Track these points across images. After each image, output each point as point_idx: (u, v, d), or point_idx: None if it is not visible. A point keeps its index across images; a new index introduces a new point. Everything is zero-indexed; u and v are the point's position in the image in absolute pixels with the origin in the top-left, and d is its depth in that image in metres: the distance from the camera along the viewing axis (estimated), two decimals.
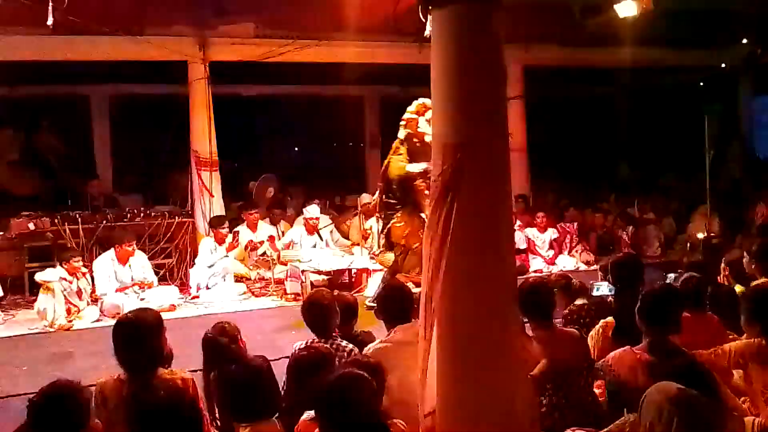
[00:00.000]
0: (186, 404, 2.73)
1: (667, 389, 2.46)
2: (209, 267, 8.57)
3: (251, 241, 9.31)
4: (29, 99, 11.60)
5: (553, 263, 9.84)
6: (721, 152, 13.09)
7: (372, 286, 7.90)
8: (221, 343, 3.85)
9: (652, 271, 6.60)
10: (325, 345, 3.95)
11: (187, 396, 3.17)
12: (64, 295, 7.34)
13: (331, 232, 9.96)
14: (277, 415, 3.66)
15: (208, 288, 8.51)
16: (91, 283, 7.87)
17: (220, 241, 8.76)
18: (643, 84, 14.18)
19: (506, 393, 2.82)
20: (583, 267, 9.67)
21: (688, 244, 10.87)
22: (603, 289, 4.81)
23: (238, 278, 9.05)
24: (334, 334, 4.14)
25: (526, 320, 3.98)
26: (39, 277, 7.37)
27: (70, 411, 2.69)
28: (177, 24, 9.30)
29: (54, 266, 8.11)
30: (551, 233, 10.20)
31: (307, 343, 4.03)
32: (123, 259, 7.95)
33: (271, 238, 9.27)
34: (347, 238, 10.27)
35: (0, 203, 10.82)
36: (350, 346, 4.05)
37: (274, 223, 10.22)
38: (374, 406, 2.65)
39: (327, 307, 4.20)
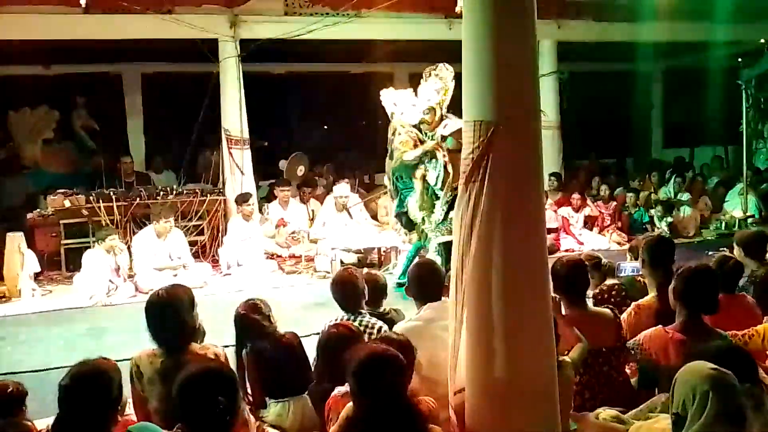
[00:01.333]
0: (223, 370, 2.76)
1: (701, 369, 2.44)
2: (242, 240, 8.67)
3: (282, 219, 9.38)
4: (63, 78, 11.73)
5: (582, 243, 9.78)
6: (758, 130, 12.83)
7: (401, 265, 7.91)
8: (253, 319, 3.90)
9: (687, 252, 6.52)
10: (354, 323, 3.98)
11: (224, 364, 3.21)
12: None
13: (361, 210, 9.98)
14: (307, 391, 3.70)
15: (239, 265, 8.61)
16: (129, 259, 8.02)
17: (246, 217, 8.86)
18: (679, 59, 13.87)
19: (536, 372, 2.82)
20: (615, 247, 9.57)
21: (724, 224, 10.71)
22: (628, 269, 4.75)
23: (269, 256, 9.14)
24: (362, 311, 4.16)
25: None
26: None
27: (102, 391, 2.72)
28: (207, 2, 9.31)
29: (89, 243, 8.29)
30: (587, 210, 10.18)
31: (336, 320, 4.06)
32: (162, 235, 8.12)
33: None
34: (375, 217, 10.27)
35: (35, 181, 11.05)
36: (380, 323, 4.06)
37: (304, 201, 10.27)
38: (401, 384, 2.66)
39: (355, 284, 4.22)
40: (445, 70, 7.11)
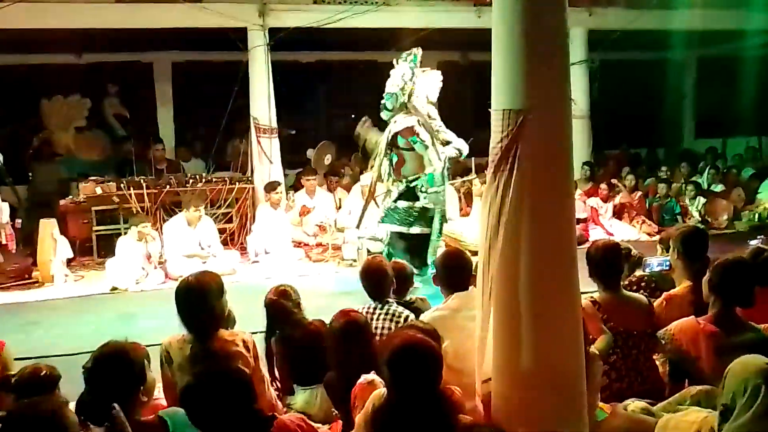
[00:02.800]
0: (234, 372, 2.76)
1: (755, 362, 2.41)
2: (270, 229, 8.72)
3: (304, 206, 9.42)
4: (95, 66, 11.89)
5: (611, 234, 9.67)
6: None
7: None
8: (283, 306, 3.94)
9: (719, 244, 6.41)
10: (382, 311, 3.99)
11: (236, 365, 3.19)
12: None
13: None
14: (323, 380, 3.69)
15: (267, 253, 8.67)
16: (160, 246, 8.11)
17: (274, 205, 8.90)
18: (712, 48, 13.62)
19: (563, 363, 2.80)
20: (644, 237, 9.44)
21: (757, 215, 10.52)
22: (654, 265, 4.65)
23: (296, 244, 9.18)
24: (389, 300, 4.17)
25: (594, 291, 3.93)
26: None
27: (124, 372, 2.75)
28: None
29: (120, 229, 8.41)
30: (615, 200, 10.15)
31: (367, 308, 4.06)
32: (192, 223, 8.21)
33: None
34: None
35: (68, 168, 11.22)
36: (406, 312, 4.06)
37: (331, 190, 10.29)
38: (436, 375, 2.66)
39: (384, 273, 4.22)
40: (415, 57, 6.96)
